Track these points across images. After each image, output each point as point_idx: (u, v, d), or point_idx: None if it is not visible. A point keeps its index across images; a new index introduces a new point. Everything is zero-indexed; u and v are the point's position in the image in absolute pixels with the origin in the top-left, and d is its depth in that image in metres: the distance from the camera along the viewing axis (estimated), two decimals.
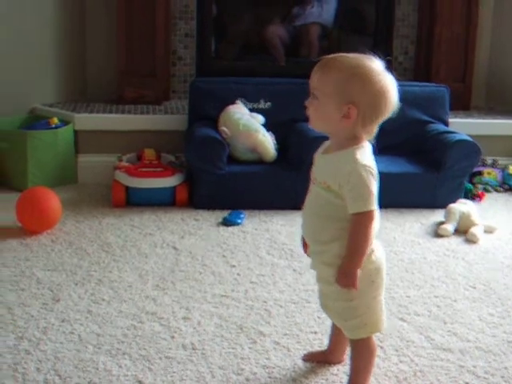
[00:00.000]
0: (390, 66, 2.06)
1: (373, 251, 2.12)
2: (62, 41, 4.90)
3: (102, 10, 4.97)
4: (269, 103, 4.42)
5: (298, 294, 2.99)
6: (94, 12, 5.00)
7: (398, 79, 2.06)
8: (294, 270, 3.23)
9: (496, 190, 4.59)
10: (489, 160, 4.71)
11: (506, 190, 4.62)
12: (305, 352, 2.51)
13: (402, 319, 2.78)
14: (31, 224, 3.60)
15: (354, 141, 2.06)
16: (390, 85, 2.03)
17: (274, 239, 3.63)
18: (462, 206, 3.88)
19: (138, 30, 4.77)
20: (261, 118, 4.27)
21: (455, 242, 3.68)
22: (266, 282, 3.11)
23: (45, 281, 3.05)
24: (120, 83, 4.86)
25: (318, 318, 2.74)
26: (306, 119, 2.10)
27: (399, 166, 4.18)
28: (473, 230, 3.72)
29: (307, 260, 2.31)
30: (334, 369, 2.42)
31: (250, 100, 4.39)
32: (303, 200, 2.21)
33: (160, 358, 2.44)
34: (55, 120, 4.47)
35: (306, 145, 3.77)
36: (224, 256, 3.39)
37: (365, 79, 1.99)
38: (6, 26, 4.56)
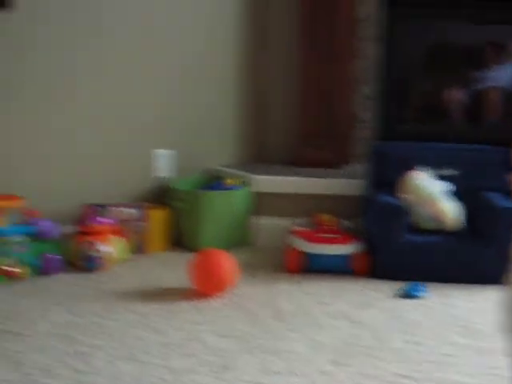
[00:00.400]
0: None
1: None
2: (244, 104, 4.90)
3: (284, 73, 4.94)
4: (452, 170, 4.21)
5: (484, 377, 2.73)
6: (274, 75, 4.97)
7: None
8: (479, 351, 2.96)
9: None
10: None
11: None
12: None
13: None
14: (204, 287, 3.52)
15: None
16: None
17: (458, 316, 3.38)
18: None
19: (319, 93, 4.72)
20: (444, 186, 4.06)
21: None
22: (448, 362, 2.87)
23: (214, 346, 2.94)
24: (299, 146, 4.80)
25: None
26: (494, 188, 1.90)
27: None
28: None
29: (494, 340, 2.08)
30: None
31: (433, 166, 4.18)
32: (492, 275, 1.99)
33: None
34: (231, 181, 4.45)
35: (494, 216, 3.58)
36: (403, 331, 3.17)
37: None
38: (189, 92, 4.65)
